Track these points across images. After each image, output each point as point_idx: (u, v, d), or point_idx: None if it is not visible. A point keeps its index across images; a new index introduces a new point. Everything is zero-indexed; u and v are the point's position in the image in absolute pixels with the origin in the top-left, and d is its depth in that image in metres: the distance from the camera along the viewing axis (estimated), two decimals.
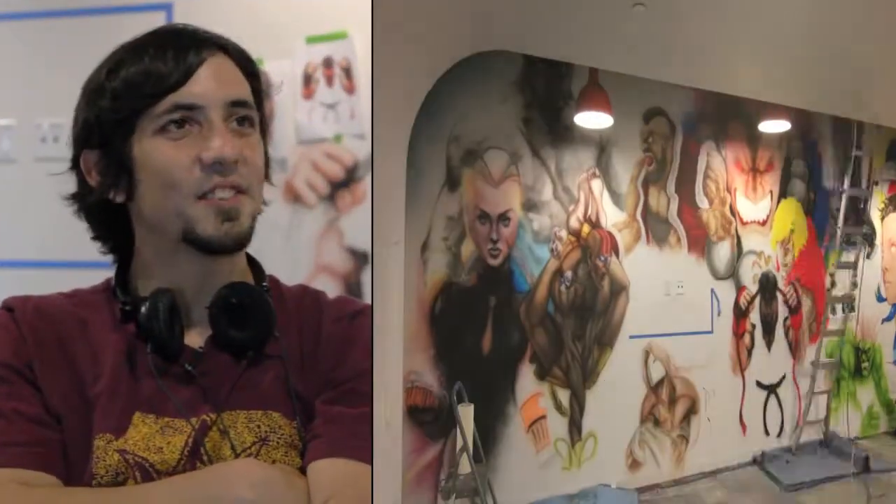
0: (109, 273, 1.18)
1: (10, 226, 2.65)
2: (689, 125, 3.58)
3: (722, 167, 3.70)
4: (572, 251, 3.22)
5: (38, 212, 2.24)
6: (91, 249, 1.18)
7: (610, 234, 3.33)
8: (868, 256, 4.17)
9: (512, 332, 3.05)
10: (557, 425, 3.17)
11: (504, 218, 3.04)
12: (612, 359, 3.32)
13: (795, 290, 3.93)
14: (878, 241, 4.21)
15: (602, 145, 3.33)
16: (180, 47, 1.08)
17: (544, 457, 3.13)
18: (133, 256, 1.15)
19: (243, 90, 1.12)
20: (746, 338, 3.75)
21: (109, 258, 1.18)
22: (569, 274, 3.21)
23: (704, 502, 3.30)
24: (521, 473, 3.05)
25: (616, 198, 3.36)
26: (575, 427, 3.22)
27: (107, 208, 1.12)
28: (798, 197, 3.97)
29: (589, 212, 3.27)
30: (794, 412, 3.89)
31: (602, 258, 3.30)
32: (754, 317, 3.78)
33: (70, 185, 1.15)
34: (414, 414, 2.78)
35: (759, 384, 3.79)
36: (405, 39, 2.16)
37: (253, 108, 1.12)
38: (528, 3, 2.50)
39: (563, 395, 3.18)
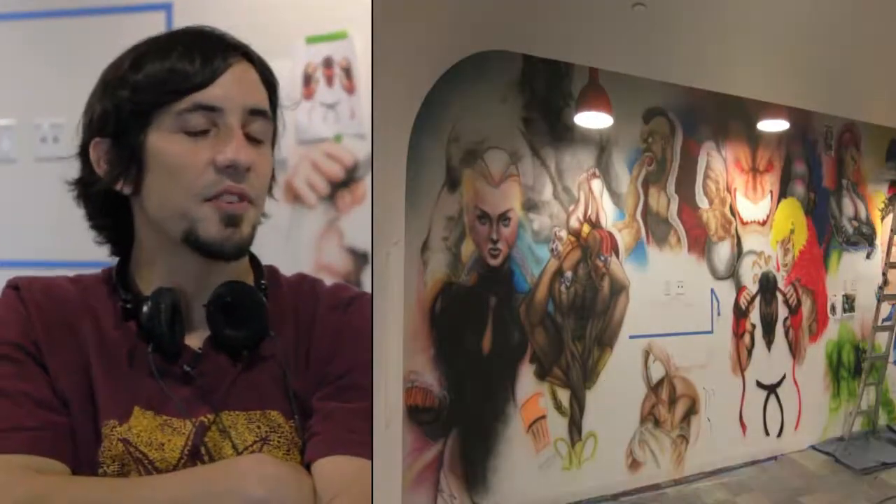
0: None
1: (10, 226, 2.65)
2: (689, 125, 3.58)
3: (722, 167, 3.70)
4: (572, 251, 3.22)
5: (38, 212, 2.25)
6: (91, 250, 1.18)
7: (610, 234, 3.33)
8: (868, 256, 4.17)
9: (512, 332, 3.05)
10: (557, 425, 3.16)
11: (504, 218, 3.03)
12: (612, 359, 3.32)
13: (795, 290, 3.93)
14: (877, 242, 4.21)
15: (602, 145, 3.32)
16: (208, 49, 1.09)
17: (544, 457, 3.13)
18: (132, 251, 1.15)
19: (262, 100, 1.12)
20: (746, 338, 3.75)
21: (110, 259, 1.18)
22: (569, 274, 3.20)
23: (704, 502, 3.30)
24: (521, 473, 3.04)
25: (616, 198, 3.36)
26: (575, 427, 3.22)
27: (109, 198, 1.12)
28: (798, 197, 3.97)
29: (589, 212, 3.27)
30: (795, 411, 3.89)
31: (602, 258, 3.30)
32: (754, 317, 3.78)
33: (74, 171, 1.15)
34: (414, 414, 2.78)
35: (759, 384, 3.79)
36: (405, 39, 2.15)
37: (269, 118, 1.13)
38: (528, 3, 2.50)
39: (563, 395, 3.18)
